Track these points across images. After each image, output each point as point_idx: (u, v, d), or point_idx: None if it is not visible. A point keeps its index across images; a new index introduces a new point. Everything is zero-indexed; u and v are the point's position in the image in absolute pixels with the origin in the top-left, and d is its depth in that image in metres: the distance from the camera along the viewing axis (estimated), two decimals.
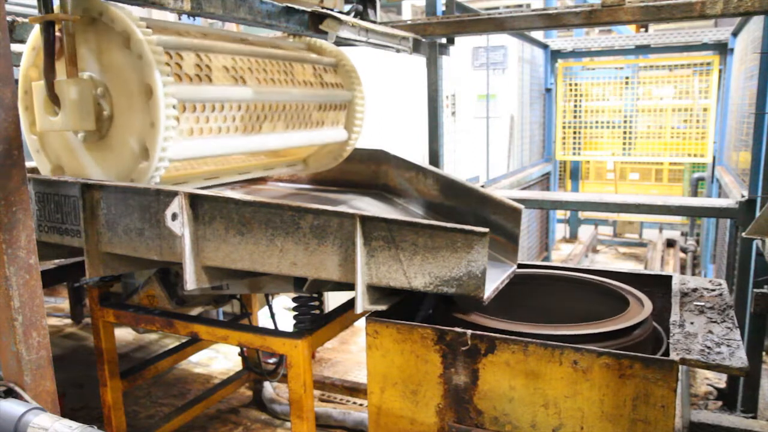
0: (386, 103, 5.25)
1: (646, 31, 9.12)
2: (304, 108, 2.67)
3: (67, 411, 3.79)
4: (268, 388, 3.91)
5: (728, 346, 1.75)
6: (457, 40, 3.82)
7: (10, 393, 1.51)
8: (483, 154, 5.69)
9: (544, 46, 7.27)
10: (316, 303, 2.67)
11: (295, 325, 2.64)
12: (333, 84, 2.87)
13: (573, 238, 8.85)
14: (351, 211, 1.81)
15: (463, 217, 2.64)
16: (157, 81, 1.92)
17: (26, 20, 2.40)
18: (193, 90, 2.10)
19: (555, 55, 7.41)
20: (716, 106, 6.64)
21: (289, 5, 2.48)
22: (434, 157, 3.85)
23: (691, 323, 1.94)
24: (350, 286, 1.85)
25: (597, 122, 7.57)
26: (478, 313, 1.99)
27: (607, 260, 8.15)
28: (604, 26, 4.19)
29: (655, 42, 6.73)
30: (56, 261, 3.03)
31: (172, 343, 4.89)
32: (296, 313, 2.66)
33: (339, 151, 3.01)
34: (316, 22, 2.63)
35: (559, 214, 8.67)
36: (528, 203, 3.94)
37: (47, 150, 2.30)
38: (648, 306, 2.03)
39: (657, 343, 2.06)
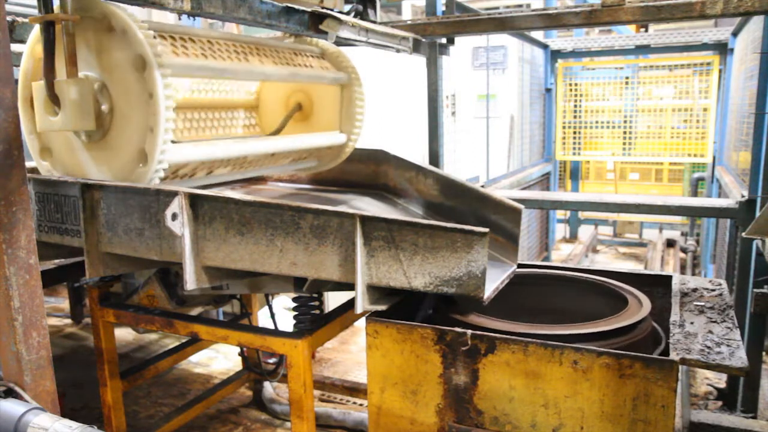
0: (386, 103, 5.25)
1: (646, 31, 9.12)
2: (279, 51, 2.68)
3: (67, 411, 3.79)
4: (268, 388, 3.91)
5: (728, 346, 1.75)
6: (457, 40, 3.82)
7: (10, 393, 1.51)
8: (483, 154, 5.69)
9: (544, 46, 7.27)
10: (316, 303, 2.68)
11: (295, 325, 2.64)
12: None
13: (573, 238, 8.85)
14: (351, 211, 1.81)
15: (463, 217, 2.64)
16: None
17: (26, 20, 2.40)
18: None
19: (555, 55, 7.41)
20: (716, 106, 6.64)
21: (289, 5, 2.48)
22: (434, 157, 3.85)
23: (691, 323, 1.94)
24: (350, 286, 1.85)
25: (597, 122, 7.57)
26: (478, 313, 1.99)
27: (607, 260, 8.15)
28: (604, 26, 4.19)
29: (655, 42, 6.73)
30: (56, 261, 3.03)
31: (172, 343, 4.89)
32: (296, 313, 2.67)
33: (352, 97, 2.97)
34: (316, 22, 2.63)
35: (559, 214, 8.67)
36: (528, 203, 3.94)
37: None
38: (647, 305, 2.03)
39: (656, 343, 2.06)
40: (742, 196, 3.38)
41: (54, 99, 1.99)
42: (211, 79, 2.81)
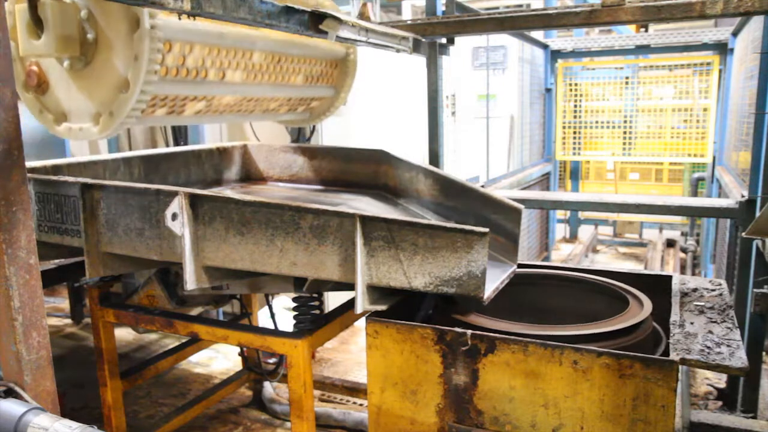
0: (386, 104, 5.25)
1: (646, 31, 9.12)
2: None
3: (67, 411, 3.79)
4: (268, 388, 3.91)
5: (728, 346, 1.75)
6: (457, 40, 3.82)
7: (10, 393, 1.51)
8: (483, 154, 5.69)
9: (544, 46, 7.27)
10: (316, 303, 2.68)
11: (295, 325, 2.64)
12: None
13: (573, 238, 8.85)
14: (351, 211, 1.81)
15: (463, 217, 2.64)
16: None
17: None
18: None
19: (555, 55, 7.41)
20: (716, 106, 6.64)
21: (289, 5, 2.48)
22: (434, 157, 3.85)
23: (691, 323, 1.94)
24: (350, 286, 1.85)
25: (597, 122, 7.57)
26: (478, 313, 1.99)
27: (607, 260, 8.15)
28: (604, 26, 4.19)
29: (655, 42, 6.74)
30: (56, 261, 3.02)
31: (172, 343, 4.89)
32: (296, 313, 2.67)
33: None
34: (316, 21, 2.62)
35: (559, 214, 8.67)
36: (528, 203, 3.94)
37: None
38: (648, 306, 2.03)
39: (657, 343, 2.06)
40: (742, 196, 3.37)
41: (37, 22, 1.88)
42: None
